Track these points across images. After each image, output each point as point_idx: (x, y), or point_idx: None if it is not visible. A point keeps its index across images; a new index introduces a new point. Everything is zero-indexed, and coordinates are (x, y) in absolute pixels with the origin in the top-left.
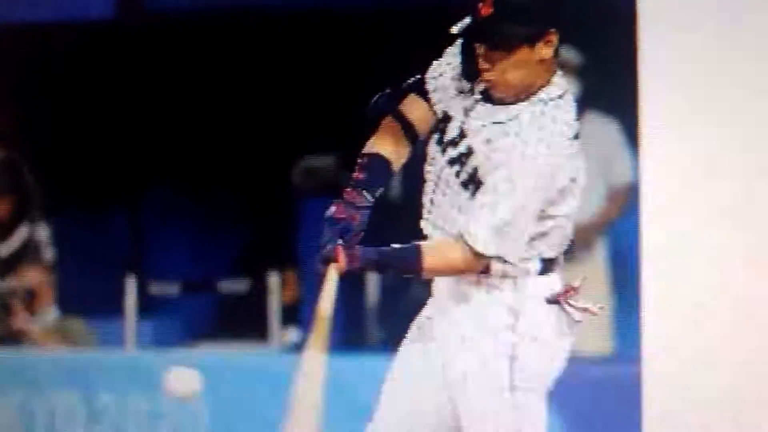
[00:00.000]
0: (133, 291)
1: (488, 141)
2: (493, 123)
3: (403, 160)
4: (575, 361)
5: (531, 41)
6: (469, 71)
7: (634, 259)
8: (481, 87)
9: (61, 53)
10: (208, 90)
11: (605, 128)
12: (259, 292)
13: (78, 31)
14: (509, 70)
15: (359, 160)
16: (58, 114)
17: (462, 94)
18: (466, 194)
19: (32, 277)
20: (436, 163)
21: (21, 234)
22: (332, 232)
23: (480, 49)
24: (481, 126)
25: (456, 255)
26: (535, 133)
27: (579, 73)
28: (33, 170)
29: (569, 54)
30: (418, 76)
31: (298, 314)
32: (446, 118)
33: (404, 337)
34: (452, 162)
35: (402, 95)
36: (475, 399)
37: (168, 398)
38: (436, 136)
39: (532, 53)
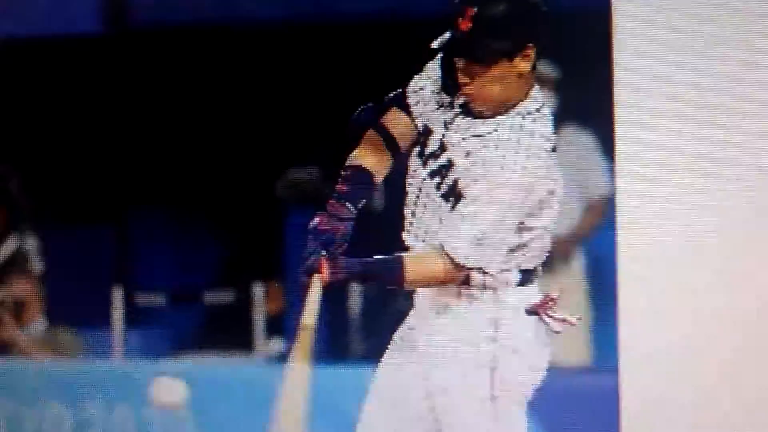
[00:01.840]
0: (120, 302)
1: (468, 154)
2: (473, 136)
3: (386, 173)
4: (554, 371)
5: (509, 56)
6: (449, 85)
7: (612, 270)
8: (461, 101)
9: (48, 67)
10: (193, 103)
11: (582, 141)
12: (244, 303)
13: (65, 46)
14: (488, 84)
15: (342, 173)
16: (46, 127)
17: (442, 108)
18: (446, 206)
19: (20, 287)
20: (418, 176)
21: (9, 245)
22: (316, 243)
23: (459, 63)
24: (461, 139)
25: (437, 266)
26: (514, 146)
27: (556, 87)
28: (21, 182)
29: (547, 68)
30: (400, 90)
31: (282, 325)
32: (427, 131)
33: (387, 347)
34: (433, 174)
35: (384, 109)
36: (456, 409)
37: (155, 408)
38: (417, 149)
39: (510, 67)
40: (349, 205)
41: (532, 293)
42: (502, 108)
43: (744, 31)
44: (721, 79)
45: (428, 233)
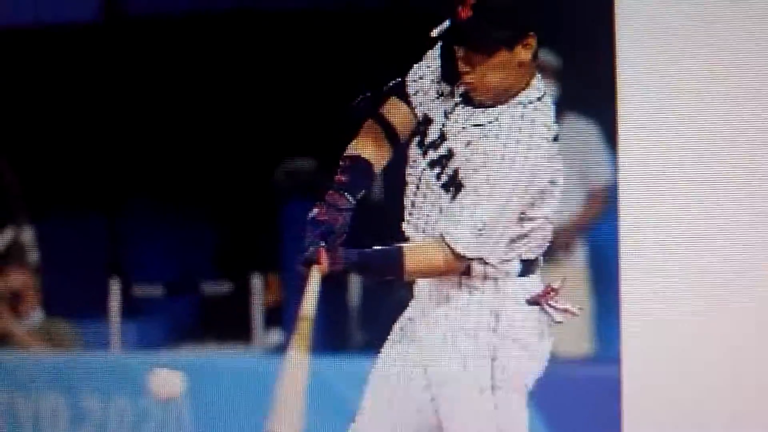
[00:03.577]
0: (116, 293)
1: (468, 143)
2: (473, 125)
3: (385, 163)
4: (555, 361)
5: (510, 44)
6: (449, 74)
7: (614, 260)
8: (461, 90)
9: (45, 57)
10: (190, 93)
11: (583, 130)
12: (242, 294)
13: (62, 35)
14: (489, 73)
15: (341, 163)
16: (42, 117)
17: (442, 97)
18: (446, 196)
19: (17, 279)
20: (417, 166)
21: (6, 237)
22: (314, 234)
23: (460, 52)
24: (461, 128)
25: (437, 257)
26: (515, 135)
27: (557, 75)
28: (17, 173)
29: (548, 57)
30: (399, 80)
31: (280, 316)
32: (427, 121)
33: (386, 338)
34: (433, 164)
35: (383, 98)
36: (456, 400)
37: (152, 399)
38: (416, 139)
39: (511, 56)
40: (347, 195)
41: (534, 283)
42: (502, 97)
43: (748, 18)
44: (725, 66)
45: (428, 224)
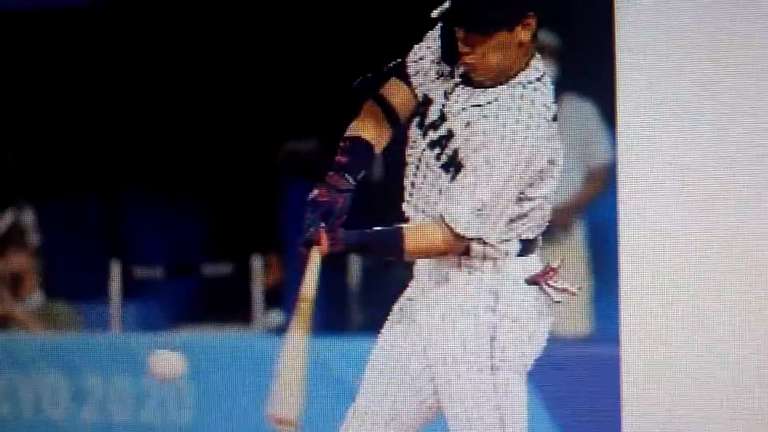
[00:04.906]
0: (117, 274)
1: (468, 124)
2: (473, 106)
3: (385, 143)
4: (554, 341)
5: (510, 25)
6: (449, 55)
7: (612, 239)
8: (461, 70)
9: (42, 39)
10: (191, 74)
11: (583, 110)
12: (243, 275)
13: (59, 17)
14: (489, 54)
15: (341, 144)
16: (41, 99)
17: (442, 78)
18: (446, 177)
19: (17, 261)
20: (417, 146)
21: (6, 219)
22: (315, 215)
23: (459, 32)
24: (461, 109)
25: (437, 237)
26: (514, 115)
27: (557, 55)
28: (17, 155)
29: (547, 37)
30: (399, 60)
31: (281, 297)
32: (427, 102)
33: (386, 318)
34: (433, 145)
35: (383, 79)
36: (456, 379)
37: (153, 380)
38: (416, 120)
39: (511, 37)
40: (347, 176)
41: (533, 263)
42: (502, 77)
43: None
44: (726, 45)
45: (428, 204)
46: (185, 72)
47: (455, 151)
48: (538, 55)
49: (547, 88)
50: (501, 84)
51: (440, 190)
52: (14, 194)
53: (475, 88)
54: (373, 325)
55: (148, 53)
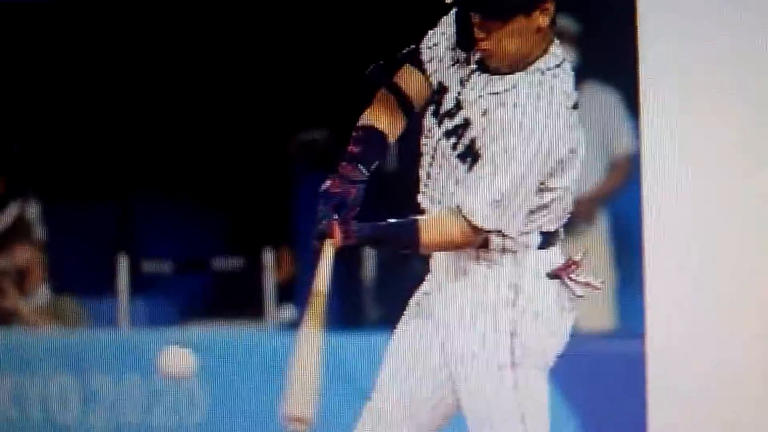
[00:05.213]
0: (125, 270)
1: (485, 112)
2: (490, 93)
3: (399, 133)
4: (577, 336)
5: (527, 10)
6: (465, 41)
7: (637, 231)
8: (477, 57)
9: (51, 32)
10: (201, 66)
11: (605, 98)
12: (254, 269)
13: (74, 10)
14: (505, 40)
15: (354, 134)
16: (49, 94)
17: (458, 64)
18: (463, 167)
19: (23, 256)
20: (433, 136)
21: (12, 213)
22: (327, 207)
23: (475, 18)
24: (478, 97)
25: (454, 229)
26: (533, 103)
27: (577, 41)
28: (23, 149)
29: (566, 22)
30: (413, 46)
31: (293, 291)
32: (442, 89)
33: (402, 314)
34: (449, 134)
35: (397, 66)
36: (474, 377)
37: (163, 377)
38: (432, 108)
39: (528, 22)
40: (361, 167)
41: (554, 256)
42: (519, 64)
43: None
44: (751, 33)
45: (444, 195)
46: (195, 65)
47: (472, 140)
48: (557, 41)
49: (567, 75)
50: (519, 71)
51: (457, 181)
52: (20, 186)
53: (491, 75)
54: (389, 320)
55: (158, 47)
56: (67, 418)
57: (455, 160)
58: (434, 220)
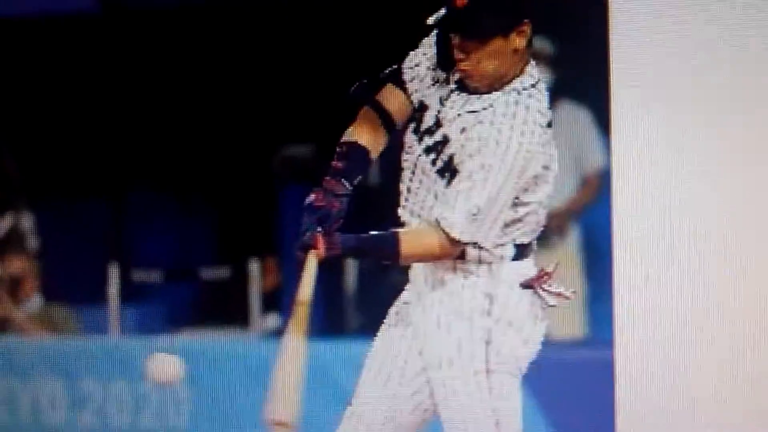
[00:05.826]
0: (115, 279)
1: (463, 130)
2: (468, 112)
3: (381, 149)
4: (549, 345)
5: (505, 32)
6: (445, 61)
7: (607, 244)
8: (456, 77)
9: (45, 46)
10: (189, 82)
11: (577, 116)
12: (240, 279)
13: (62, 25)
14: (484, 60)
15: (338, 149)
16: (43, 105)
17: (438, 84)
18: (442, 182)
19: (16, 265)
20: (413, 152)
21: (5, 223)
22: (312, 219)
23: (455, 39)
24: (456, 115)
25: (432, 241)
26: (509, 121)
27: (552, 62)
28: (17, 159)
29: (542, 44)
30: (395, 66)
31: (278, 301)
32: (422, 108)
33: (382, 322)
34: (428, 150)
35: (379, 85)
36: (451, 382)
37: (151, 384)
38: (412, 125)
39: (506, 43)
40: (344, 181)
41: (527, 268)
42: (497, 84)
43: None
44: (721, 51)
45: (424, 209)
46: (183, 78)
47: (451, 157)
48: (533, 62)
49: (542, 95)
50: (496, 90)
51: (436, 195)
52: (13, 198)
53: (470, 94)
54: (370, 328)
55: (146, 60)
56: (56, 420)
57: (434, 176)
58: (414, 233)
